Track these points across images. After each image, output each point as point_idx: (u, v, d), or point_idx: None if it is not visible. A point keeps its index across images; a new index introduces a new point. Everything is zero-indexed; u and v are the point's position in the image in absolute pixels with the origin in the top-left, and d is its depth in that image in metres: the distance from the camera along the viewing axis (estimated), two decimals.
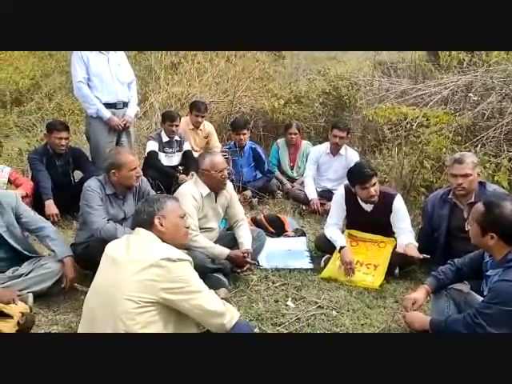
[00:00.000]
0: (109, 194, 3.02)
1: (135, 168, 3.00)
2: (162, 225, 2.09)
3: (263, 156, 5.01)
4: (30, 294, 2.66)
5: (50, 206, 3.81)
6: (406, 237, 3.22)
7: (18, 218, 2.86)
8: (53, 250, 2.91)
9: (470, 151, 3.75)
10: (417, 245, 3.17)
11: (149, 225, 2.08)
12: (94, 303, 2.00)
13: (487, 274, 2.24)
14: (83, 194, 2.97)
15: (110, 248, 2.07)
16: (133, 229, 2.16)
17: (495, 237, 2.03)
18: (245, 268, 3.15)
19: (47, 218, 3.51)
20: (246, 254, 3.10)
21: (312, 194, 4.53)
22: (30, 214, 2.92)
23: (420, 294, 2.45)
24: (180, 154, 4.88)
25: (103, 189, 3.00)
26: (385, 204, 3.30)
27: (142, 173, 3.16)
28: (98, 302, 1.98)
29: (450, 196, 3.14)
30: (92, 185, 2.98)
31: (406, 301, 2.47)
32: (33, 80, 8.23)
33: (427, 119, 4.28)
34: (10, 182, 3.93)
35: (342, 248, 3.27)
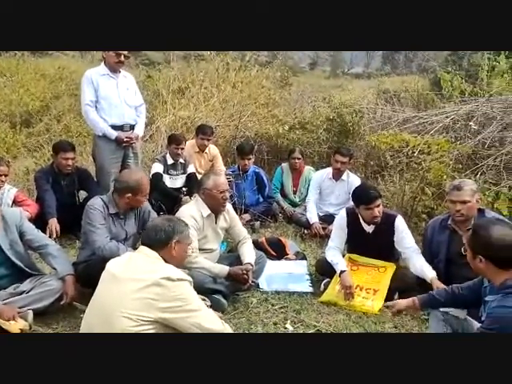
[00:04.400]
0: (111, 213, 3.07)
1: (147, 194, 3.11)
2: (174, 249, 2.13)
3: (266, 181, 5.06)
4: (30, 312, 2.69)
5: (53, 223, 3.85)
6: (418, 259, 3.22)
7: (21, 235, 2.91)
8: (54, 268, 2.93)
9: (470, 179, 3.78)
10: (434, 273, 3.11)
11: (162, 245, 2.11)
12: (93, 319, 2.02)
13: (486, 299, 2.24)
14: (86, 213, 3.01)
15: (111, 265, 2.11)
16: (142, 243, 2.16)
17: (483, 260, 2.04)
18: (245, 286, 3.15)
19: (49, 235, 3.55)
20: (245, 271, 3.11)
21: (313, 218, 4.56)
22: (33, 232, 2.96)
23: (404, 301, 2.53)
24: (184, 176, 4.96)
25: (106, 208, 3.04)
26: (386, 225, 3.34)
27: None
28: (96, 318, 2.00)
29: (449, 222, 3.16)
30: (95, 203, 3.02)
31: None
32: (42, 102, 8.43)
33: (428, 147, 4.34)
34: (15, 203, 3.98)
35: (342, 272, 3.29)
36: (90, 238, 2.96)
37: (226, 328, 2.08)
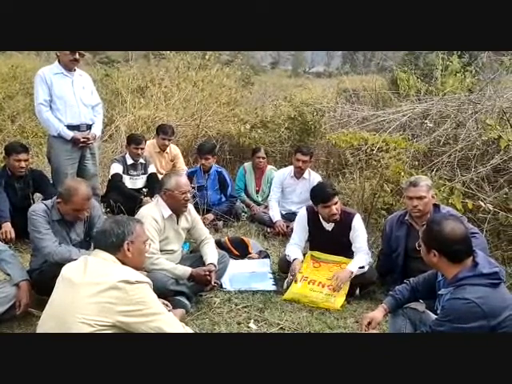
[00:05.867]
0: (55, 219, 2.94)
1: (83, 209, 2.92)
2: (129, 250, 2.06)
3: (228, 180, 5.05)
4: None
5: (6, 227, 3.69)
6: (357, 258, 3.35)
7: None
8: (8, 274, 2.82)
9: (426, 175, 3.89)
10: (360, 264, 3.28)
11: (115, 248, 2.04)
12: (49, 326, 1.95)
13: (439, 292, 2.31)
14: (29, 220, 2.88)
15: (66, 270, 2.04)
16: (95, 247, 2.10)
17: (437, 254, 2.10)
18: (208, 288, 3.13)
19: (1, 239, 3.41)
20: (208, 272, 3.08)
21: (276, 216, 4.59)
22: None
23: (377, 313, 2.49)
24: (144, 176, 4.88)
25: (50, 214, 2.93)
26: (345, 223, 3.40)
27: (91, 205, 3.03)
28: (52, 325, 1.93)
29: (406, 218, 3.25)
30: (37, 209, 2.90)
31: (363, 319, 2.51)
32: None
33: (386, 144, 4.44)
34: None
35: (294, 260, 3.37)
36: (39, 245, 2.84)
37: (187, 331, 2.06)
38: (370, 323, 2.45)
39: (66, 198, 2.88)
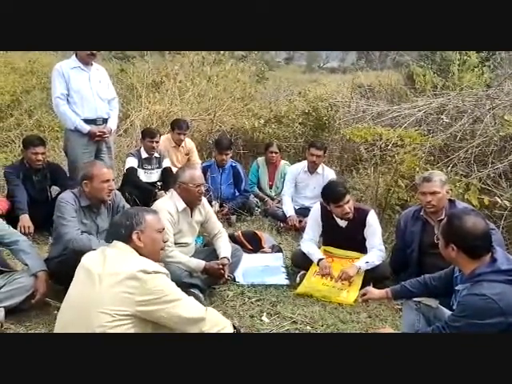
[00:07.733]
0: (83, 206, 3.01)
1: (108, 180, 2.99)
2: (139, 239, 2.08)
3: (242, 175, 5.07)
4: (2, 309, 2.63)
5: (24, 219, 3.76)
6: (369, 254, 3.34)
7: None
8: (26, 264, 2.87)
9: (442, 171, 3.85)
10: (369, 261, 3.28)
11: (126, 239, 2.08)
12: (68, 316, 1.98)
13: (456, 288, 2.29)
14: (57, 207, 2.95)
15: (86, 259, 2.06)
16: (108, 241, 2.15)
17: (455, 248, 2.08)
18: (221, 281, 3.14)
19: (20, 231, 3.47)
20: (221, 266, 3.10)
21: (290, 211, 4.59)
22: (4, 228, 2.89)
23: (376, 290, 2.58)
24: (159, 170, 4.91)
25: (78, 201, 2.99)
26: (359, 220, 3.38)
27: (115, 187, 3.14)
28: (71, 315, 1.96)
29: (421, 213, 3.22)
30: (66, 197, 2.97)
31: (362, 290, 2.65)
32: (13, 96, 8.18)
33: (401, 139, 4.40)
34: None
35: (320, 260, 3.35)
36: (62, 231, 2.89)
37: (208, 314, 2.05)
38: (364, 294, 2.58)
39: (89, 175, 2.95)
